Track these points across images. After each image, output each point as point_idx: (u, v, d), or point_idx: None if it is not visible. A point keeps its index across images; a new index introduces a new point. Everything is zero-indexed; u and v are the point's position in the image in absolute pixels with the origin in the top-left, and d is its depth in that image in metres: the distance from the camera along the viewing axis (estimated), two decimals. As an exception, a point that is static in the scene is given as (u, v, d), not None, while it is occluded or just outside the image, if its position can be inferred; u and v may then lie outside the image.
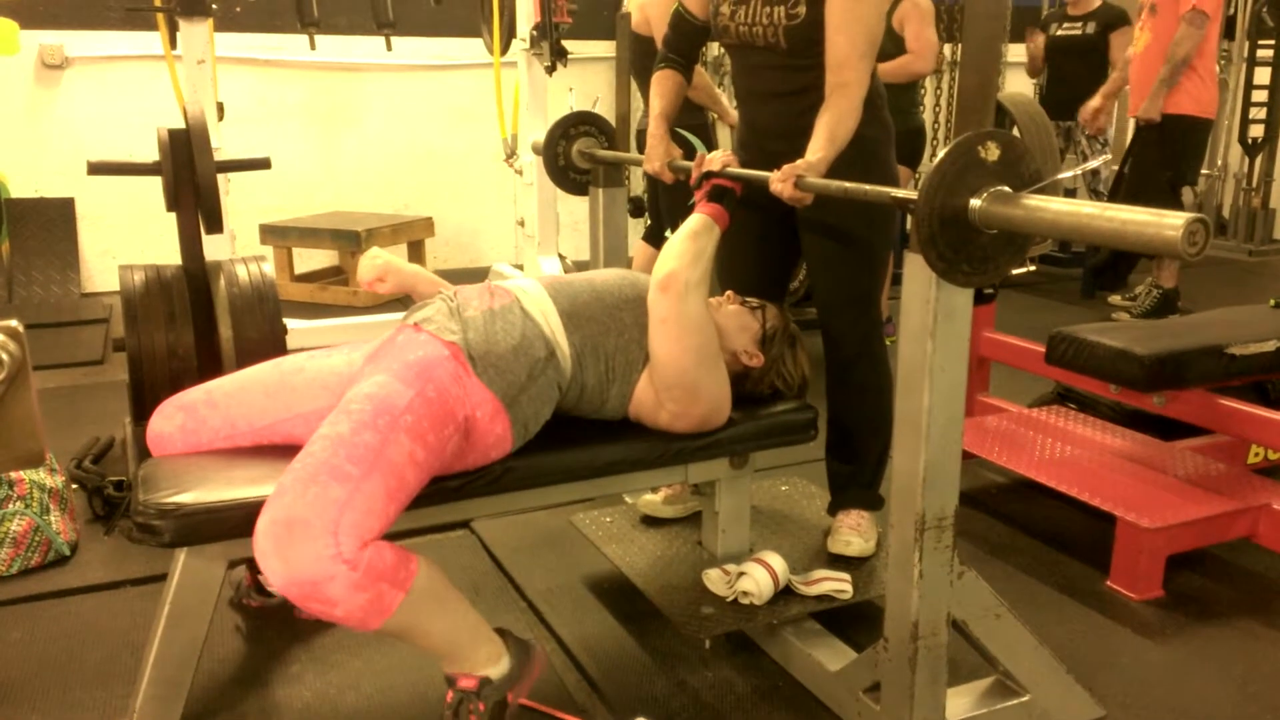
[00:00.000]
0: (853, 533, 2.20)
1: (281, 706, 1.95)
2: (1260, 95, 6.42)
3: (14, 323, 0.99)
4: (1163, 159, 4.71)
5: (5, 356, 0.97)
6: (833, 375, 2.24)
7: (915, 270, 1.57)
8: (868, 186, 1.75)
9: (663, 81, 2.32)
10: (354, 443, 1.59)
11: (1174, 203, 4.80)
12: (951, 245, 1.49)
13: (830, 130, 1.95)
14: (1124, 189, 4.95)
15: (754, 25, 2.07)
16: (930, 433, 1.60)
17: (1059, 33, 5.53)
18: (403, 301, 4.96)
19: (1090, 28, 5.47)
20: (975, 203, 1.48)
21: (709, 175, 2.05)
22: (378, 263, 2.04)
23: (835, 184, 1.82)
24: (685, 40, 2.32)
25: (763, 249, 2.30)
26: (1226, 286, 5.82)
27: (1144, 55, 4.70)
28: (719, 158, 2.05)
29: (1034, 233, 1.50)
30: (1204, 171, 6.21)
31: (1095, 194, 5.93)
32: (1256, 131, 6.46)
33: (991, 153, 1.48)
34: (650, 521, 2.39)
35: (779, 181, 1.87)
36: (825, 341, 2.24)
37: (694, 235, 1.97)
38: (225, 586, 1.93)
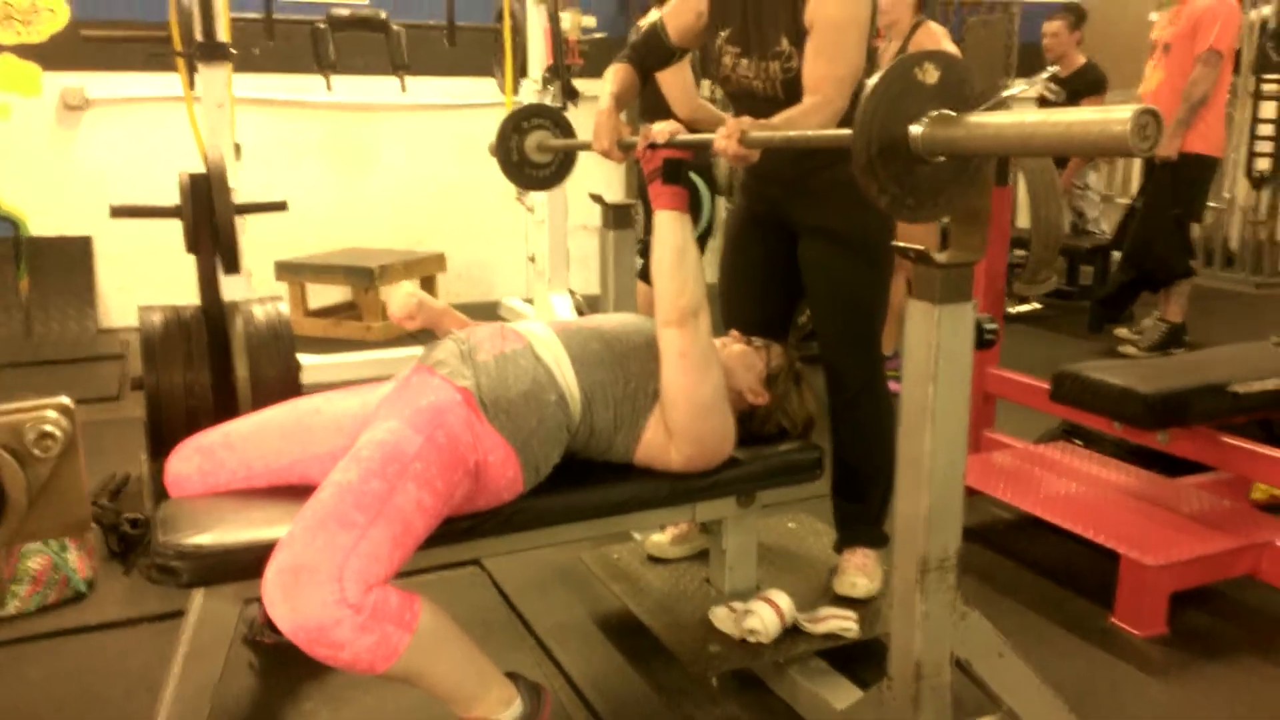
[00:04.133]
0: (859, 573, 2.22)
1: (295, 743, 1.98)
2: (1266, 129, 6.45)
3: (64, 399, 1.05)
4: (1174, 196, 4.76)
5: (59, 432, 1.02)
6: (836, 414, 2.27)
7: (917, 315, 1.60)
8: (811, 133, 1.72)
9: (618, 71, 2.28)
10: (362, 490, 1.62)
11: (1183, 239, 4.85)
12: (894, 177, 1.41)
13: (787, 117, 1.92)
14: (1136, 225, 5.01)
15: (755, 78, 2.12)
16: (933, 475, 1.62)
17: (1044, 92, 5.76)
18: (416, 336, 5.02)
19: (1062, 96, 5.70)
20: (916, 129, 1.38)
21: (655, 146, 1.96)
22: (411, 302, 2.06)
23: (780, 135, 1.78)
24: (651, 54, 2.31)
25: (767, 288, 2.34)
26: (1233, 319, 5.83)
27: (1156, 93, 4.75)
28: (665, 128, 1.95)
29: (979, 152, 1.40)
30: (1211, 205, 6.24)
31: (1086, 234, 6.06)
32: (1263, 165, 6.48)
33: (930, 75, 1.38)
34: (658, 560, 2.42)
35: (723, 139, 1.82)
36: (828, 380, 2.27)
37: (677, 252, 1.94)
38: (239, 623, 1.97)
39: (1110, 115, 1.19)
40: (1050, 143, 1.29)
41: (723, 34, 2.17)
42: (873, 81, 1.39)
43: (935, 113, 1.39)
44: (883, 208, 1.44)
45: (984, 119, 1.37)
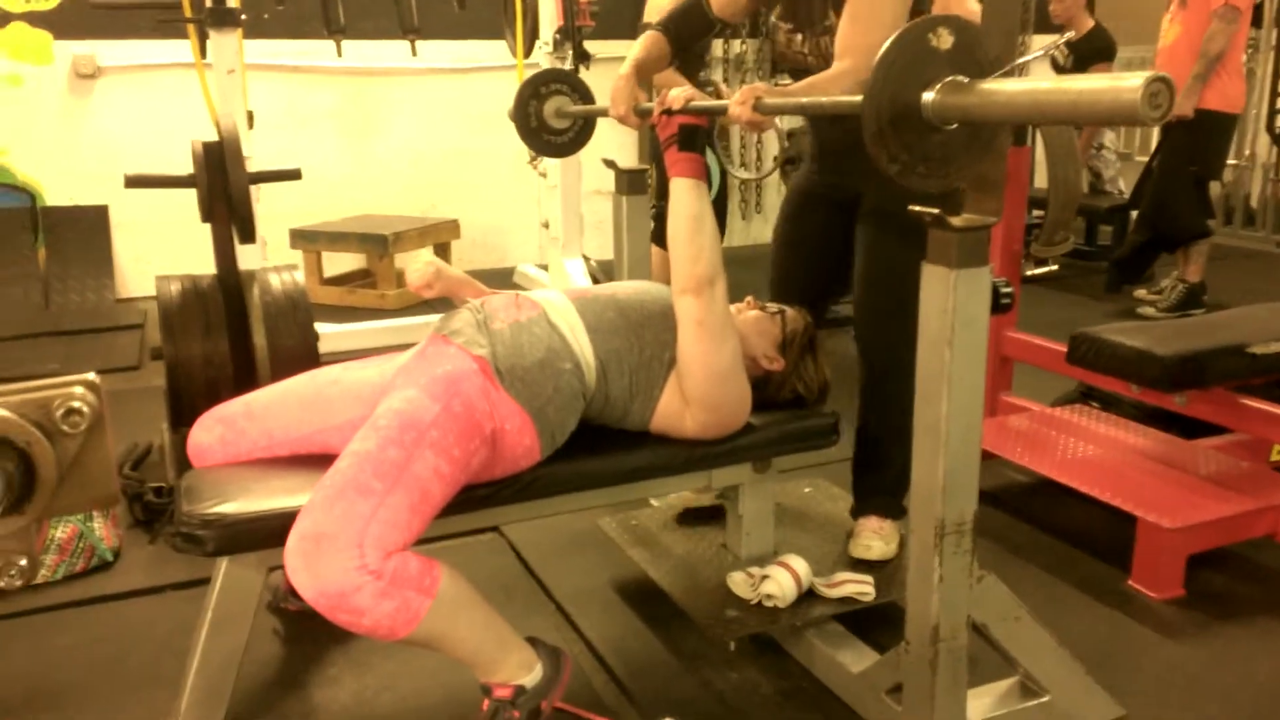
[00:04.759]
0: (874, 536, 2.23)
1: (320, 708, 2.01)
2: (1288, 84, 6.37)
3: (92, 376, 1.06)
4: (1191, 154, 4.70)
5: (86, 408, 1.04)
6: (866, 383, 2.27)
7: (933, 280, 1.60)
8: (824, 99, 1.72)
9: (649, 39, 2.25)
10: (380, 459, 1.64)
11: (1201, 198, 4.79)
12: (904, 145, 1.40)
13: (810, 83, 1.90)
14: (1152, 184, 4.95)
15: (809, 54, 2.10)
16: (949, 440, 1.62)
17: (1055, 54, 5.70)
18: (431, 304, 5.03)
19: (1070, 61, 5.60)
20: (929, 96, 1.36)
21: (670, 113, 1.94)
22: (429, 271, 2.05)
23: (792, 101, 1.78)
24: (688, 25, 2.26)
25: (819, 257, 2.34)
26: (1255, 278, 5.78)
27: (1172, 48, 4.69)
28: (681, 94, 1.93)
29: (991, 119, 1.39)
30: (1231, 162, 6.17)
31: (1104, 194, 6.02)
32: (1284, 121, 6.41)
33: (944, 40, 1.36)
34: (676, 524, 2.43)
35: (737, 105, 1.81)
36: (860, 350, 2.26)
37: (694, 219, 1.93)
38: (264, 591, 2.00)
39: (1121, 84, 1.17)
40: (1061, 111, 1.28)
41: (775, 10, 2.14)
42: (885, 47, 1.37)
43: (948, 79, 1.37)
44: (893, 176, 1.42)
45: (996, 86, 1.35)
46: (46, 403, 1.09)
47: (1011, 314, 3.12)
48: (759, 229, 6.97)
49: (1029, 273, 5.68)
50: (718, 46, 6.42)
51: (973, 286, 1.58)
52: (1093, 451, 2.81)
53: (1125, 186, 6.11)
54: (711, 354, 1.90)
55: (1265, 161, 6.54)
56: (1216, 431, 2.86)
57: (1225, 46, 4.52)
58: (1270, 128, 6.44)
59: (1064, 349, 2.88)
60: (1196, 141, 4.68)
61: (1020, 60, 1.40)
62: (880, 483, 2.30)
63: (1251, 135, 6.55)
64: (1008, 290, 1.85)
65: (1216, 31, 4.50)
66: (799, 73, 2.16)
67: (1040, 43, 6.48)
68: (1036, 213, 5.29)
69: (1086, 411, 3.12)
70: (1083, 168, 5.42)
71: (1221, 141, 4.85)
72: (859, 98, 1.42)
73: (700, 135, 1.96)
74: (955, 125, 1.41)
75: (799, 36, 2.11)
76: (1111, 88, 1.19)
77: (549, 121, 2.73)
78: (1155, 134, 5.90)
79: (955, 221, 1.56)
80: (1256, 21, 6.28)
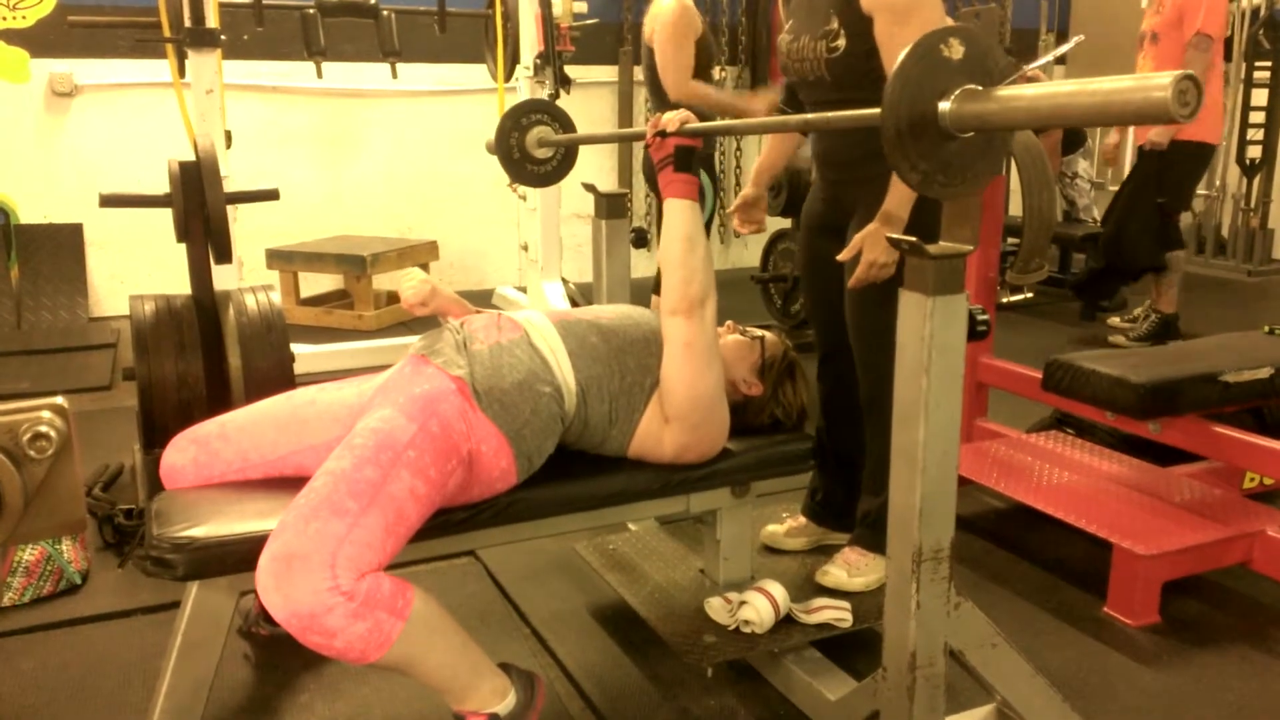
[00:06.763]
0: (842, 567, 2.20)
1: (290, 735, 1.98)
2: (1258, 116, 6.47)
3: (60, 399, 1.04)
4: (1160, 183, 4.73)
5: (53, 433, 1.02)
6: (864, 408, 2.21)
7: (909, 308, 1.61)
8: (843, 114, 1.77)
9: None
10: (354, 478, 1.62)
11: (1165, 229, 4.80)
12: (923, 154, 1.40)
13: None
14: (1116, 210, 4.96)
15: (803, 61, 2.08)
16: (926, 467, 1.62)
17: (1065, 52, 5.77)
18: (408, 325, 5.01)
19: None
20: (945, 106, 1.36)
21: (665, 135, 1.96)
22: (425, 289, 2.06)
23: (818, 117, 1.80)
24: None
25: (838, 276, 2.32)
26: (1226, 307, 5.85)
27: None
28: (675, 116, 1.96)
29: (1011, 125, 1.39)
30: (1202, 192, 6.25)
31: (1078, 223, 6.08)
32: (1254, 152, 6.50)
33: (955, 50, 1.37)
34: (652, 550, 2.42)
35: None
36: (857, 373, 2.22)
37: (687, 240, 1.95)
38: (235, 615, 1.97)
39: (1150, 82, 1.17)
40: (1088, 114, 1.27)
41: (785, 11, 2.15)
42: (900, 59, 1.38)
43: (964, 88, 1.38)
44: (913, 186, 1.42)
45: (1016, 91, 1.35)
46: (13, 427, 1.07)
47: (987, 341, 3.14)
48: (738, 253, 7.00)
49: (1005, 300, 5.73)
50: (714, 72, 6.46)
51: (949, 314, 1.59)
52: (1068, 478, 2.83)
53: (1099, 214, 6.18)
54: (698, 375, 1.90)
55: (1235, 192, 6.63)
56: (1190, 459, 2.88)
57: (1201, 76, 4.57)
58: (1240, 159, 6.54)
59: (1039, 376, 2.90)
60: (1167, 171, 4.69)
61: (1038, 62, 1.41)
62: (870, 512, 2.23)
63: (1222, 166, 6.64)
64: (984, 317, 1.87)
65: (1191, 60, 4.53)
66: (800, 82, 2.13)
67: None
68: (1012, 240, 5.34)
69: (1062, 438, 3.14)
70: (1057, 195, 5.46)
71: (1193, 171, 4.86)
72: (877, 110, 1.43)
73: (695, 156, 1.97)
74: (971, 134, 1.41)
75: (795, 45, 2.08)
76: (1141, 87, 1.18)
77: (531, 152, 2.73)
78: (1129, 163, 5.97)
79: (931, 249, 1.57)
80: (1226, 55, 6.39)
